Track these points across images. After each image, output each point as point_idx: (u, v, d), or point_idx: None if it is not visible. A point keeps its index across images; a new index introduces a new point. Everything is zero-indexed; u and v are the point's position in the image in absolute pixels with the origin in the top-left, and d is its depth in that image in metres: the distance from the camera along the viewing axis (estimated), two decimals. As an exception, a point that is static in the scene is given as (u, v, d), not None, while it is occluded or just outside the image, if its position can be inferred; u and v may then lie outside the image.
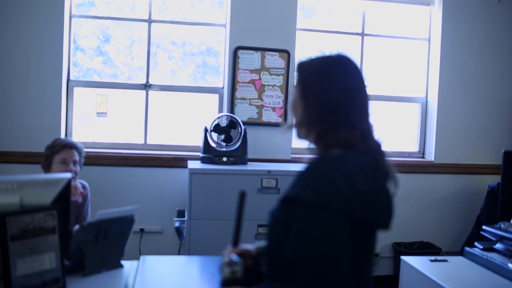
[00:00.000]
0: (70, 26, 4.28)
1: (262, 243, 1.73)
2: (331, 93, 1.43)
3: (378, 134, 1.49)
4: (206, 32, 4.58)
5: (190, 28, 4.56)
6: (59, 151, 2.94)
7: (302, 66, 1.52)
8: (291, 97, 1.55)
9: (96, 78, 4.47)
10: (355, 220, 1.31)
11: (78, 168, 3.01)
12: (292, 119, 1.54)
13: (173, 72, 4.60)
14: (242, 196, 1.67)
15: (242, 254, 1.67)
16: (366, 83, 1.49)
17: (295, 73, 1.53)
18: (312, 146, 1.49)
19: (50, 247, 1.86)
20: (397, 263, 3.95)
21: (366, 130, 1.45)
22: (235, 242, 1.68)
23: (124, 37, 4.52)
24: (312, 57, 1.52)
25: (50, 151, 2.97)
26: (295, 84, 1.53)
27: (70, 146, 2.98)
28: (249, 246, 1.72)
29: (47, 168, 2.96)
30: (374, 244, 1.44)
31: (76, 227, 2.11)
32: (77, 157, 3.00)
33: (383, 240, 4.62)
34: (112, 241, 2.19)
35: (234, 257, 1.59)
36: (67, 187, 1.99)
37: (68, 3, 4.22)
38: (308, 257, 1.27)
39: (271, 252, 1.43)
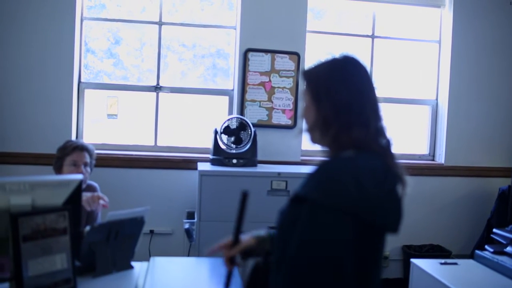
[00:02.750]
0: (81, 29, 4.31)
1: (261, 232, 1.74)
2: (343, 93, 1.43)
3: (389, 135, 1.49)
4: (216, 34, 4.60)
5: (200, 30, 4.58)
6: (70, 153, 2.96)
7: (309, 71, 1.53)
8: (301, 105, 1.55)
9: (106, 80, 4.50)
10: (362, 222, 1.31)
11: (88, 170, 3.03)
12: (303, 124, 1.54)
13: (183, 74, 4.62)
14: (244, 196, 1.66)
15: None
16: (374, 84, 1.50)
17: (303, 81, 1.53)
18: (325, 148, 1.49)
19: (61, 247, 1.88)
20: (406, 266, 3.93)
21: (378, 128, 1.45)
22: (235, 242, 1.68)
23: (134, 39, 4.54)
24: (318, 63, 1.53)
25: (61, 152, 2.99)
26: (304, 91, 1.53)
27: (81, 148, 2.99)
28: (248, 241, 1.71)
29: (58, 170, 2.98)
30: (383, 247, 1.44)
31: (87, 228, 2.12)
32: (88, 159, 3.01)
33: (393, 243, 4.60)
34: (122, 242, 2.20)
35: None
36: (79, 188, 2.00)
37: (80, 6, 4.25)
38: (310, 256, 1.27)
39: (280, 251, 1.43)
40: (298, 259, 1.29)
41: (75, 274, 1.92)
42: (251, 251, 1.71)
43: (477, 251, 2.69)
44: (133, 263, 2.29)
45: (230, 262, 1.70)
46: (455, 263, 2.60)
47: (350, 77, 1.46)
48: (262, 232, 1.75)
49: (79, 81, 4.33)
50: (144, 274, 2.21)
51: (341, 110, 1.42)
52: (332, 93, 1.44)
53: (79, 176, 2.04)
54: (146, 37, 4.52)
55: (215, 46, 4.62)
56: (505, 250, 2.57)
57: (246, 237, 1.71)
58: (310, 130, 1.51)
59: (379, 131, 1.46)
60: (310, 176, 1.41)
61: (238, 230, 1.68)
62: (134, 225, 2.23)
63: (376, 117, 1.46)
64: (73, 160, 2.94)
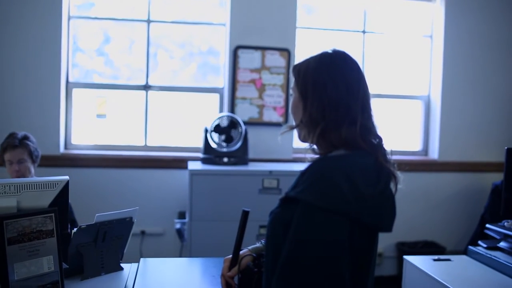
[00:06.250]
0: (68, 28, 4.26)
1: (257, 244, 1.74)
2: (330, 89, 1.40)
3: (381, 131, 1.46)
4: (207, 31, 4.56)
5: (191, 28, 4.54)
6: (4, 152, 2.94)
7: (298, 67, 1.50)
8: (291, 100, 1.52)
9: (96, 79, 4.45)
10: (356, 222, 1.28)
11: (28, 165, 2.96)
12: (291, 121, 1.53)
13: (174, 73, 4.58)
14: (245, 215, 1.65)
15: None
16: (366, 79, 1.47)
17: (293, 76, 1.51)
18: (314, 146, 1.46)
19: (48, 250, 1.84)
20: (401, 263, 3.92)
21: (367, 126, 1.42)
22: (234, 261, 1.66)
23: (124, 37, 4.50)
24: (307, 58, 1.50)
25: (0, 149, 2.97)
26: (293, 86, 1.50)
27: (13, 146, 2.94)
28: (247, 258, 1.68)
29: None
30: (376, 246, 1.42)
31: (75, 229, 2.08)
32: (24, 155, 2.94)
33: (387, 240, 4.59)
34: (111, 244, 2.17)
35: None
36: (65, 189, 1.97)
37: (67, 5, 4.20)
38: (305, 256, 1.25)
39: (270, 252, 1.41)
40: (293, 259, 1.26)
41: (62, 276, 1.88)
42: (249, 268, 1.68)
43: (470, 247, 2.67)
44: (123, 265, 2.26)
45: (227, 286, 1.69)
46: (448, 259, 2.58)
47: (338, 72, 1.43)
48: (258, 244, 1.74)
49: (67, 81, 4.28)
50: (134, 275, 2.18)
51: (328, 107, 1.39)
52: (319, 89, 1.41)
53: (65, 178, 2.00)
54: (136, 35, 4.47)
55: (205, 44, 4.58)
56: (498, 245, 2.55)
57: (243, 253, 1.69)
58: (299, 126, 1.48)
59: (369, 129, 1.43)
60: (302, 175, 1.38)
61: (238, 248, 1.66)
62: (123, 226, 2.19)
63: (366, 114, 1.43)
64: (8, 159, 2.94)
